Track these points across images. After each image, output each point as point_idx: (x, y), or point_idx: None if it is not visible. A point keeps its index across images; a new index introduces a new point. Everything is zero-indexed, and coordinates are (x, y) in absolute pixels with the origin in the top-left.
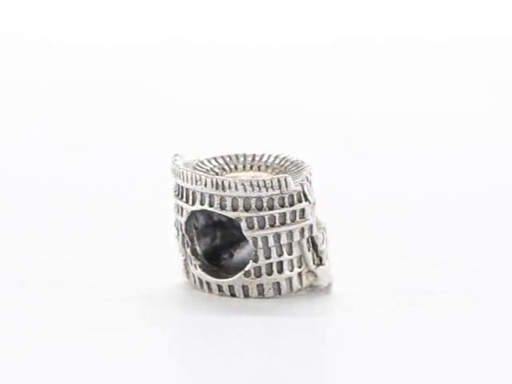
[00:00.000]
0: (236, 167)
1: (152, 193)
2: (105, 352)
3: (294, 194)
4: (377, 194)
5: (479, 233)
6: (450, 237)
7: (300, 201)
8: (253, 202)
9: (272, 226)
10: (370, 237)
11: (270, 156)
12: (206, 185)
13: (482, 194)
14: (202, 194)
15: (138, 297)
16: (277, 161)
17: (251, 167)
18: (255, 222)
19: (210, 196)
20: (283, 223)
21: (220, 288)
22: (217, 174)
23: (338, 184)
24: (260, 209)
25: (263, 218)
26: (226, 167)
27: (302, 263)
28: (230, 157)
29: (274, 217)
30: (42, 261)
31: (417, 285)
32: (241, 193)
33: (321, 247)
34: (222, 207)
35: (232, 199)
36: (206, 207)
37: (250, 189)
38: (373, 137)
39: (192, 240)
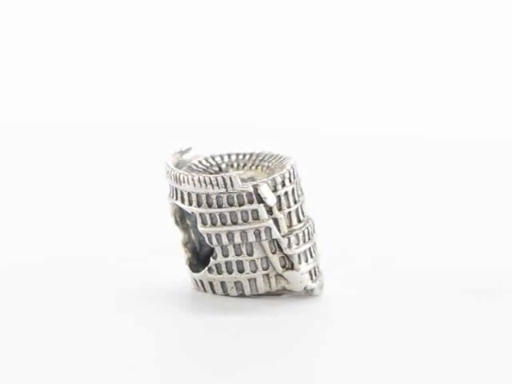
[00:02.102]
0: (245, 165)
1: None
2: (103, 351)
3: (244, 194)
4: (376, 200)
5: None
6: (444, 246)
7: (251, 202)
8: (203, 197)
9: (224, 224)
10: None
11: (276, 157)
12: (171, 178)
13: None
14: (172, 186)
15: (138, 296)
16: (277, 162)
17: (257, 167)
18: (208, 218)
19: (175, 189)
20: (235, 222)
21: (196, 282)
22: (220, 170)
23: (338, 186)
24: (210, 205)
25: (215, 215)
26: (235, 164)
27: (268, 265)
28: (244, 155)
29: (225, 215)
30: (42, 260)
31: (408, 291)
32: (191, 188)
33: (287, 251)
34: (182, 201)
35: (188, 194)
36: (174, 200)
37: (198, 184)
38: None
39: (185, 231)
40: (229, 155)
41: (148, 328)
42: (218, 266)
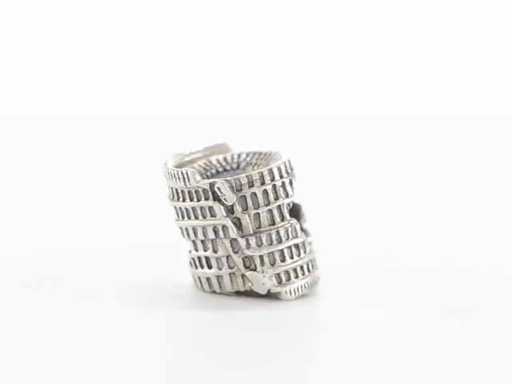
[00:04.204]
0: (260, 165)
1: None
2: (103, 350)
3: (200, 190)
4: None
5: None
6: (440, 244)
7: (206, 198)
8: (174, 191)
9: (189, 218)
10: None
11: (277, 157)
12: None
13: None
14: None
15: (139, 295)
16: (274, 163)
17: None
18: (178, 211)
19: None
20: (196, 217)
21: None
22: (239, 167)
23: (337, 186)
24: (178, 199)
25: (182, 209)
26: (254, 162)
27: (234, 264)
28: (265, 154)
29: (189, 210)
30: (44, 259)
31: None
32: (166, 180)
33: (246, 252)
34: (167, 194)
35: (167, 186)
36: None
37: (168, 177)
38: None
39: None
40: (254, 153)
41: (147, 327)
42: (194, 260)
